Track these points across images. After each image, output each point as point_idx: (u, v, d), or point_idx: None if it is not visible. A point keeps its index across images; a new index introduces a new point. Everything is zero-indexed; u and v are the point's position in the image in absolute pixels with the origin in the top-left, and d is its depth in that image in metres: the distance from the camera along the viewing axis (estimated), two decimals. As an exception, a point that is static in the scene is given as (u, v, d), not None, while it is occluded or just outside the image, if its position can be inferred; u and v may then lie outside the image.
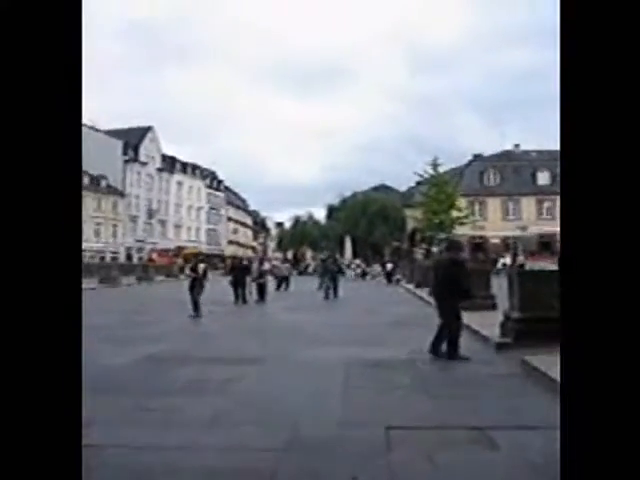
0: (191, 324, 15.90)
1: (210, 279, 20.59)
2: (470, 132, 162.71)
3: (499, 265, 51.70)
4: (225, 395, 7.22)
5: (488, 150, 71.37)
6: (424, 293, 25.30)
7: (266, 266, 25.83)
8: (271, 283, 27.57)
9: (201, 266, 18.18)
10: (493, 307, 17.05)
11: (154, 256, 67.77)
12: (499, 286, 18.29)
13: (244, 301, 22.66)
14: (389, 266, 43.69)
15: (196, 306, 17.41)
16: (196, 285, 17.81)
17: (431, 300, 22.18)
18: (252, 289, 23.62)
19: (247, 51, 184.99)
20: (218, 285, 25.67)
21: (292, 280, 42.00)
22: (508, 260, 52.55)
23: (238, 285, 22.80)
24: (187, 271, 18.10)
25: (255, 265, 25.26)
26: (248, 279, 23.31)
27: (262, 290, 23.59)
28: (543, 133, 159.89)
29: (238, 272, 23.07)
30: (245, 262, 25.76)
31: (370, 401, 6.98)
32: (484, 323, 13.39)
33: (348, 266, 55.19)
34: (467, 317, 14.78)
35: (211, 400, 6.93)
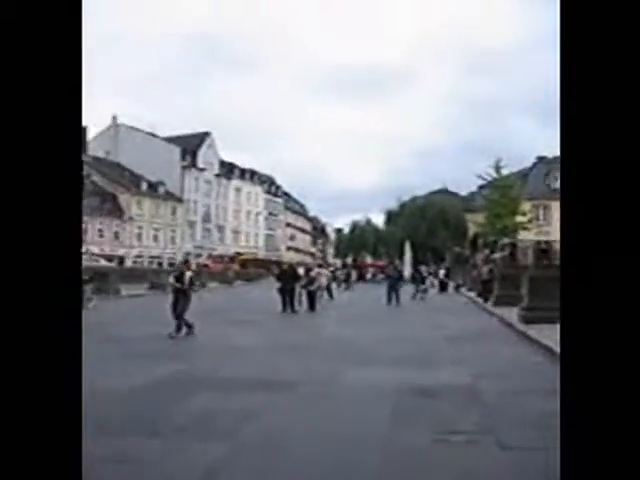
0: (224, 338, 14.05)
1: (263, 285, 19.18)
2: (529, 136, 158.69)
3: None
4: (234, 439, 5.64)
5: (550, 154, 68.33)
6: (488, 303, 23.51)
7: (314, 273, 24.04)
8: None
9: (187, 274, 14.54)
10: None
11: (209, 262, 66.92)
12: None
13: (292, 310, 21.19)
14: (442, 272, 39.81)
15: (179, 324, 13.82)
16: (180, 298, 14.11)
17: (497, 311, 20.75)
18: (302, 298, 22.14)
19: (303, 60, 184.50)
20: (270, 293, 24.04)
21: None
22: None
23: (286, 293, 21.32)
24: (171, 280, 14.78)
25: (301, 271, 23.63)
26: (297, 287, 21.81)
27: (312, 299, 22.00)
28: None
29: (286, 279, 21.58)
30: (298, 268, 24.32)
31: (421, 456, 5.34)
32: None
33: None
34: (540, 333, 13.16)
35: (212, 448, 5.36)
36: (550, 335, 12.72)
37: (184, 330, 13.77)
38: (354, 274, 49.04)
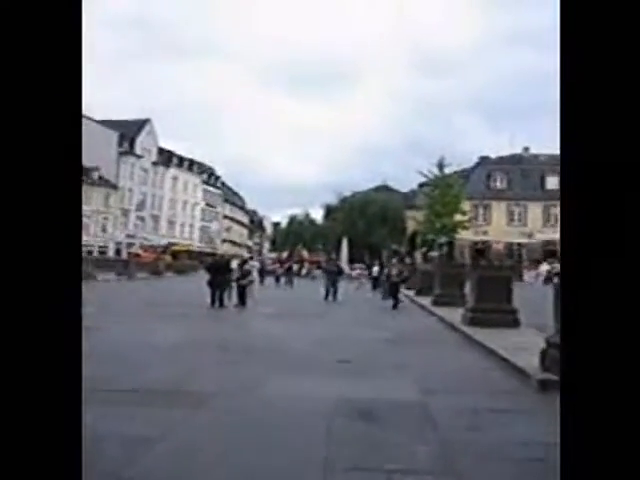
0: (141, 334, 12.44)
1: (195, 278, 17.66)
2: (476, 136, 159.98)
3: (532, 275, 48.86)
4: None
5: (493, 154, 68.35)
6: (427, 302, 22.41)
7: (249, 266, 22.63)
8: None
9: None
10: (515, 323, 14.16)
11: (140, 252, 64.58)
12: (522, 298, 15.44)
13: (221, 305, 19.68)
14: (375, 270, 36.39)
15: None
16: None
17: (437, 311, 19.65)
18: (233, 292, 20.65)
19: (250, 50, 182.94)
20: (200, 285, 22.07)
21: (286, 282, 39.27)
22: (544, 268, 49.47)
23: (216, 286, 19.79)
24: None
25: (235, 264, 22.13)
26: (229, 280, 20.34)
27: (243, 293, 20.48)
28: (552, 139, 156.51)
29: (217, 271, 20.05)
30: (233, 261, 22.85)
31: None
32: (511, 347, 10.49)
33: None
34: (488, 337, 12.05)
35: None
36: (497, 339, 11.65)
37: None
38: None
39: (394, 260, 55.24)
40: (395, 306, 21.50)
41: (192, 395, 7.00)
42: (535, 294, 21.24)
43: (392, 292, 22.41)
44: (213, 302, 19.64)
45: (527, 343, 11.14)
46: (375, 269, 35.63)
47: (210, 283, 19.93)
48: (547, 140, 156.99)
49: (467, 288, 21.63)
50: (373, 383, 8.11)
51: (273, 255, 73.53)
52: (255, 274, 24.34)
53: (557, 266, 49.01)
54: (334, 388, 7.60)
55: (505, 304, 14.39)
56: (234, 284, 20.65)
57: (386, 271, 24.62)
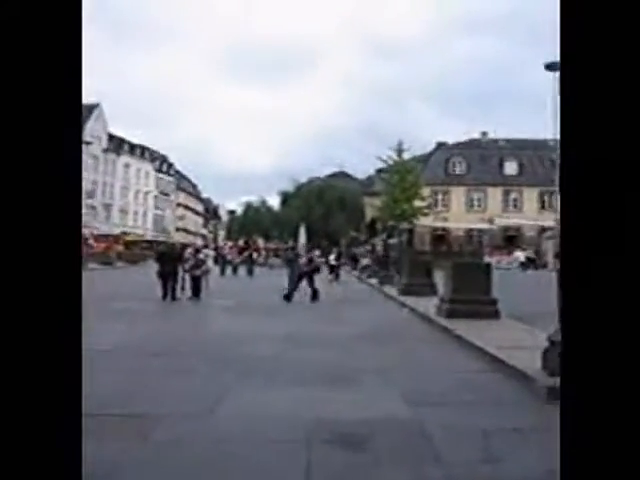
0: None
1: (147, 268, 16.14)
2: (432, 123, 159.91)
3: (516, 260, 48.12)
4: None
5: (450, 141, 67.44)
6: (393, 291, 21.20)
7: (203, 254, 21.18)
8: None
9: None
10: (495, 314, 13.04)
11: (91, 241, 62.15)
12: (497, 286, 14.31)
13: (173, 297, 18.18)
14: (331, 258, 34.47)
15: None
16: None
17: (406, 301, 18.41)
18: (185, 283, 19.17)
19: (203, 37, 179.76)
20: (152, 276, 20.07)
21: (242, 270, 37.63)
22: (519, 254, 48.81)
23: (167, 277, 18.27)
24: None
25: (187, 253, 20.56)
26: (180, 270, 18.84)
27: (197, 284, 18.97)
28: (510, 124, 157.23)
29: (167, 261, 18.53)
30: (187, 249, 21.31)
31: None
32: (501, 343, 9.31)
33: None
34: (471, 332, 10.87)
35: None
36: (483, 334, 10.46)
37: None
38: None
39: (362, 248, 54.13)
40: (288, 297, 18.62)
41: (133, 420, 5.61)
42: (507, 280, 20.10)
43: (298, 280, 19.49)
44: (165, 295, 18.17)
45: (517, 338, 10.00)
46: (331, 257, 34.11)
47: (160, 274, 18.42)
48: (505, 126, 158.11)
49: (436, 277, 20.68)
50: (353, 394, 6.81)
51: (230, 243, 71.53)
52: (210, 263, 22.84)
53: (524, 253, 48.78)
54: (308, 402, 6.32)
55: (484, 294, 13.22)
56: (187, 275, 19.18)
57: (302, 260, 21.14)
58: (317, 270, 20.61)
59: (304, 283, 19.30)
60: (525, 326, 11.62)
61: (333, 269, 33.23)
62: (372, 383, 7.41)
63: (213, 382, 7.21)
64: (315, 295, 19.18)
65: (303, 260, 21.05)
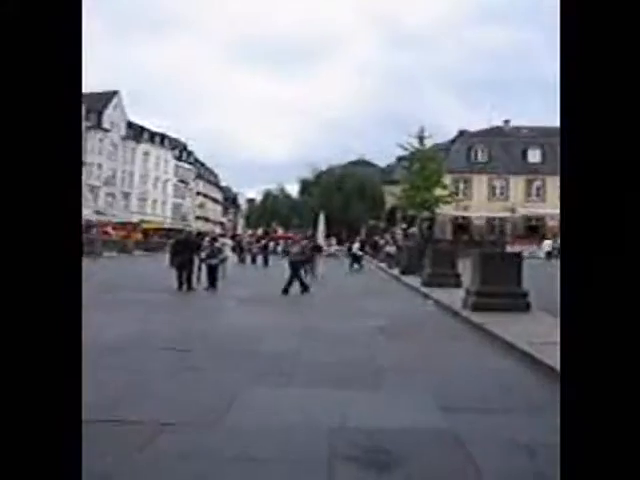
0: (89, 328, 10.21)
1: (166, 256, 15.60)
2: (451, 111, 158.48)
3: (543, 250, 47.00)
4: None
5: (471, 128, 66.24)
6: (416, 282, 20.48)
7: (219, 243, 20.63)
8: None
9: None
10: (526, 307, 12.35)
11: (108, 229, 61.84)
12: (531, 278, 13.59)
13: (189, 287, 17.60)
14: (355, 246, 33.67)
15: None
16: None
17: (430, 293, 17.69)
18: (202, 273, 18.61)
19: (222, 27, 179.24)
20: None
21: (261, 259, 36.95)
22: (547, 242, 47.64)
23: (183, 267, 17.69)
24: None
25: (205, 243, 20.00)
26: (196, 259, 18.28)
27: (213, 274, 18.39)
28: (532, 112, 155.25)
29: (183, 250, 17.94)
30: (196, 237, 20.71)
31: None
32: (533, 339, 8.63)
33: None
34: (501, 326, 10.20)
35: None
36: (513, 329, 9.78)
37: None
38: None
39: (387, 236, 53.14)
40: (285, 291, 17.19)
41: (129, 428, 5.00)
42: (535, 271, 19.33)
43: (293, 274, 17.87)
44: (180, 285, 17.57)
45: (550, 334, 9.27)
46: (356, 246, 33.24)
47: (175, 263, 17.84)
48: (527, 114, 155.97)
49: (461, 267, 19.94)
50: (377, 398, 6.18)
51: (250, 232, 70.88)
52: (228, 252, 22.26)
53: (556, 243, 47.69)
54: (328, 407, 5.69)
55: (514, 286, 12.50)
56: (203, 264, 18.61)
57: (294, 249, 19.43)
58: (309, 261, 19.24)
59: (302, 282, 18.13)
60: (557, 320, 10.92)
61: (357, 259, 32.32)
62: (398, 385, 6.78)
63: (223, 383, 6.60)
64: (305, 289, 17.75)
65: (295, 249, 19.18)
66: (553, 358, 7.19)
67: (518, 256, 13.22)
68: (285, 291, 17.18)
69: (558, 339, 8.49)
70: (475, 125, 66.77)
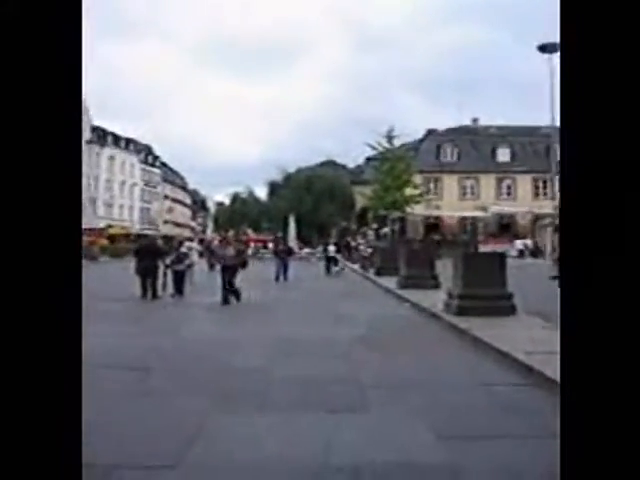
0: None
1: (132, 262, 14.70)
2: (419, 112, 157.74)
3: (515, 248, 46.41)
4: None
5: (442, 127, 65.74)
6: (392, 284, 19.72)
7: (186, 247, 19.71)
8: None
9: None
10: (512, 310, 11.65)
11: (74, 236, 60.46)
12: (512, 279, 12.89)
13: (154, 295, 16.64)
14: (332, 249, 32.07)
15: None
16: None
17: (408, 295, 16.89)
18: (167, 279, 17.68)
19: (187, 30, 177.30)
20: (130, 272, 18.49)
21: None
22: (529, 242, 47.12)
23: (146, 274, 16.73)
24: None
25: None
26: (161, 265, 17.33)
27: (180, 280, 17.44)
28: (500, 111, 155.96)
29: (146, 256, 16.98)
30: (159, 243, 19.77)
31: None
32: (529, 347, 7.90)
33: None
34: (489, 332, 9.49)
35: None
36: (501, 335, 9.09)
37: None
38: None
39: (360, 239, 52.52)
40: (226, 300, 15.57)
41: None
42: (511, 271, 18.65)
43: (228, 281, 15.97)
44: (145, 292, 16.62)
45: (543, 340, 8.54)
46: (331, 248, 32.18)
47: (139, 270, 16.88)
48: (496, 113, 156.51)
49: (439, 267, 19.25)
50: (364, 424, 5.37)
51: (218, 237, 69.78)
52: (195, 257, 21.31)
53: (528, 242, 47.32)
54: (308, 437, 4.89)
55: (499, 288, 11.78)
56: (168, 270, 17.69)
57: (228, 252, 17.13)
58: (244, 265, 17.38)
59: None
60: (547, 323, 10.20)
61: (334, 261, 31.32)
62: (388, 405, 5.98)
63: (186, 410, 5.74)
64: (237, 296, 15.90)
65: (229, 252, 16.99)
66: (549, 369, 6.50)
67: (502, 256, 12.50)
68: (225, 301, 15.54)
69: (556, 348, 7.73)
70: (444, 125, 65.95)
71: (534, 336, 9.10)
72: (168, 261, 17.65)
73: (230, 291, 15.77)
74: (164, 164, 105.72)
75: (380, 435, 5.05)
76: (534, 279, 20.64)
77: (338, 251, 34.14)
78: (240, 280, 16.39)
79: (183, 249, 19.21)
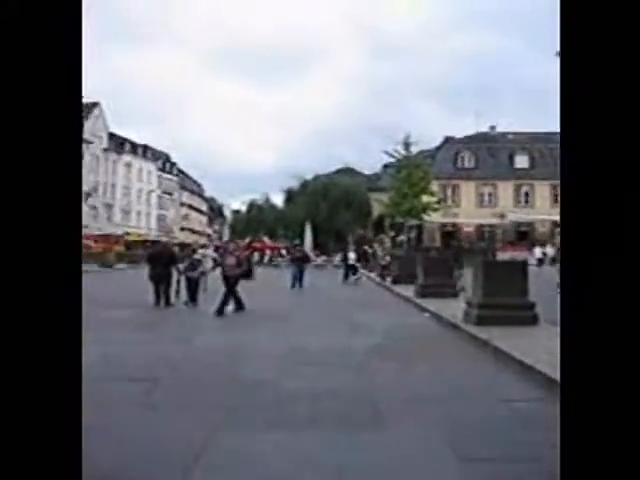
0: None
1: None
2: (436, 119, 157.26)
3: (534, 256, 45.43)
4: None
5: (459, 135, 65.26)
6: (410, 292, 19.35)
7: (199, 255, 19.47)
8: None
9: None
10: (533, 320, 11.25)
11: (90, 242, 60.30)
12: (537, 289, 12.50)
13: (167, 303, 16.37)
14: (352, 256, 30.92)
15: None
16: None
17: (426, 304, 16.49)
18: (181, 287, 17.40)
19: (205, 37, 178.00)
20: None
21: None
22: (549, 250, 46.04)
23: (160, 281, 16.45)
24: None
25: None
26: (174, 272, 17.06)
27: (193, 288, 17.13)
28: (517, 118, 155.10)
29: (159, 263, 16.70)
30: (174, 250, 19.53)
31: None
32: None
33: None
34: (511, 343, 9.13)
35: None
36: (523, 346, 8.71)
37: None
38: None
39: (384, 242, 52.10)
40: (220, 311, 14.72)
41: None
42: (532, 279, 18.22)
43: (229, 289, 15.45)
44: (158, 300, 16.36)
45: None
46: (352, 256, 31.15)
47: (152, 277, 16.63)
48: (513, 120, 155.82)
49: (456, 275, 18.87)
50: (380, 444, 5.02)
51: (232, 244, 69.57)
52: (209, 264, 21.03)
53: (549, 249, 46.41)
54: (319, 459, 4.56)
55: (520, 297, 11.39)
56: (182, 277, 17.41)
57: (228, 261, 16.33)
58: (248, 274, 16.89)
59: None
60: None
61: (354, 269, 30.45)
62: (405, 422, 5.63)
63: (191, 427, 5.41)
64: (240, 306, 15.48)
65: (229, 261, 16.09)
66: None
67: (523, 264, 12.11)
68: (220, 312, 14.71)
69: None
70: (461, 132, 65.51)
71: (558, 347, 8.70)
72: (181, 267, 17.36)
73: (228, 302, 15.22)
74: (181, 171, 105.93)
75: (398, 458, 4.70)
76: (552, 285, 20.15)
77: (358, 260, 33.18)
78: (255, 287, 16.05)
79: (197, 256, 18.91)
